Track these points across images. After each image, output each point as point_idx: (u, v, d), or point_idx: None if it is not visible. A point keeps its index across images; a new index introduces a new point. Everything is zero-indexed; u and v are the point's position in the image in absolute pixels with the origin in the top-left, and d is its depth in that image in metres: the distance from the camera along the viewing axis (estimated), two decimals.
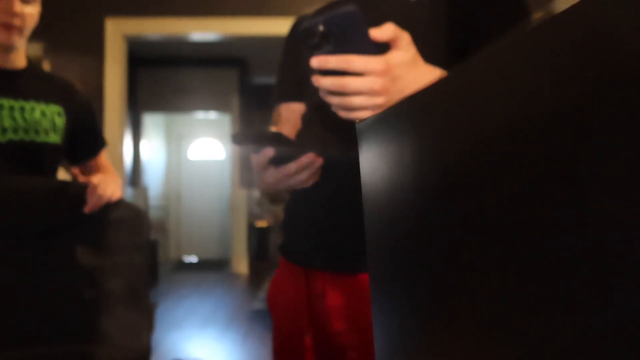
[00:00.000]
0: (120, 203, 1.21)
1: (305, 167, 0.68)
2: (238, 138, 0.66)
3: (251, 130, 0.68)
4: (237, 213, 5.87)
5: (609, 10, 0.15)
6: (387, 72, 0.59)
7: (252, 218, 5.91)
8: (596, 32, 0.15)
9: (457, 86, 0.24)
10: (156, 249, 5.25)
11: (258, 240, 5.89)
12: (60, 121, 1.28)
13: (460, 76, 0.24)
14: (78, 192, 1.17)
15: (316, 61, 0.59)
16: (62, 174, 2.71)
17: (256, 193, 5.92)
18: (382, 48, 0.61)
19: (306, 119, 0.82)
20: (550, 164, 0.18)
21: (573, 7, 0.16)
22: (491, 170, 0.21)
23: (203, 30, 3.37)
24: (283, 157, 0.68)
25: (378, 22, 0.61)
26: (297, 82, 0.88)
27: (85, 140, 1.40)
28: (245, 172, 5.92)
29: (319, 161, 0.69)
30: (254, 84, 6.35)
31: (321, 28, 0.58)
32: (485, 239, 0.22)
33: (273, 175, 0.70)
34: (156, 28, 3.36)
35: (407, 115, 0.30)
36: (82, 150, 1.41)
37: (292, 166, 0.68)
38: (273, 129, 0.63)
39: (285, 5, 3.28)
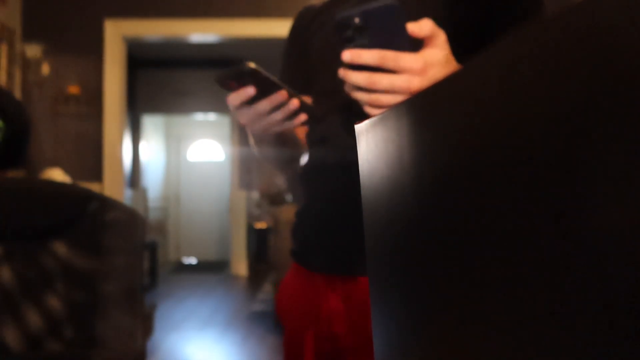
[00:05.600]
0: (115, 204, 1.20)
1: (278, 106, 0.64)
2: (220, 78, 0.63)
3: (231, 69, 0.64)
4: (236, 214, 5.87)
5: (610, 9, 0.15)
6: (424, 71, 0.55)
7: (251, 219, 5.91)
8: (597, 32, 0.15)
9: (457, 86, 0.24)
10: (155, 250, 5.24)
11: (257, 241, 5.89)
12: None
13: (461, 76, 0.24)
14: (78, 194, 1.16)
15: (349, 54, 0.55)
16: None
17: (255, 195, 5.92)
18: (415, 45, 0.57)
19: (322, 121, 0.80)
20: (551, 165, 0.18)
21: (574, 7, 0.16)
22: (492, 171, 0.21)
23: (202, 32, 3.37)
24: (259, 96, 0.64)
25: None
26: (302, 74, 0.84)
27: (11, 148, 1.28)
28: (244, 174, 5.92)
29: (295, 103, 0.65)
30: None
31: (357, 20, 0.55)
32: (486, 241, 0.22)
33: (247, 115, 0.66)
34: (155, 30, 3.36)
35: (407, 116, 0.30)
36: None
37: (263, 104, 0.64)
38: (251, 64, 0.60)
39: (284, 7, 3.28)
